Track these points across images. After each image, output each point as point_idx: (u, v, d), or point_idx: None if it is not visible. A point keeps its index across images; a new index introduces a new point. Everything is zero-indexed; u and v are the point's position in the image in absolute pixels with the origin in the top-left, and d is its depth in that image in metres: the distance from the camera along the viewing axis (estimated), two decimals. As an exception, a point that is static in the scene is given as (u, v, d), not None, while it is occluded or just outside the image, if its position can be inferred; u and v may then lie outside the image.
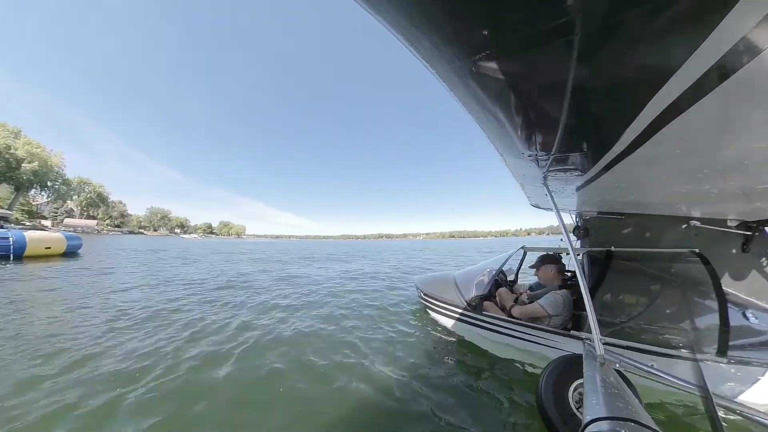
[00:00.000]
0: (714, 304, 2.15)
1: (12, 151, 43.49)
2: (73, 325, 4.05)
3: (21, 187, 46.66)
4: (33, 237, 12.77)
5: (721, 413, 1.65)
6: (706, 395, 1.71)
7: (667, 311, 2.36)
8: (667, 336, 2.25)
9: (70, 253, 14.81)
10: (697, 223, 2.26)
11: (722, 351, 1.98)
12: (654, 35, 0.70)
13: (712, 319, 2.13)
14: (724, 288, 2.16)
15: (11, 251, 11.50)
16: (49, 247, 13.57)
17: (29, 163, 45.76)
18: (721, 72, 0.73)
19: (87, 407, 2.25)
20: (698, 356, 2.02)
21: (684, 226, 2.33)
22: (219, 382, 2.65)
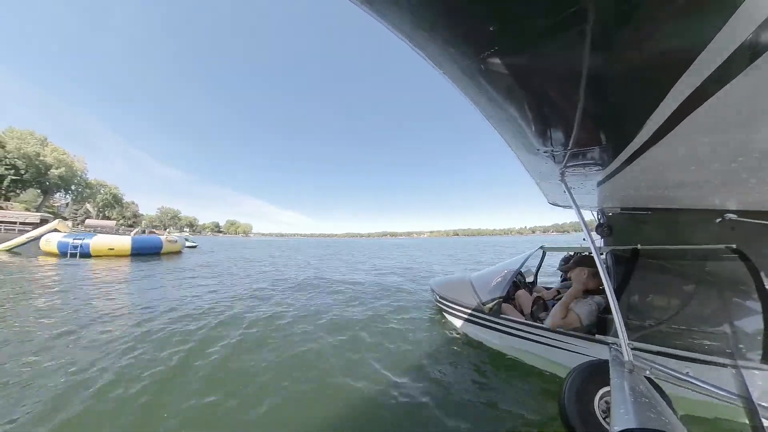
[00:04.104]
0: (756, 305, 1.96)
1: (41, 158, 46.05)
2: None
3: (48, 191, 49.26)
4: (98, 240, 15.82)
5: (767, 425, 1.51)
6: (751, 406, 1.56)
7: (703, 313, 2.17)
8: (704, 340, 2.06)
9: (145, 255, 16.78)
10: (734, 216, 2.07)
11: None
12: (675, 13, 0.62)
13: (755, 322, 1.94)
14: (767, 286, 1.98)
15: (78, 250, 15.25)
16: (112, 248, 15.97)
17: (56, 168, 48.36)
18: (755, 48, 0.65)
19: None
20: (740, 363, 1.85)
21: (718, 220, 2.14)
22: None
